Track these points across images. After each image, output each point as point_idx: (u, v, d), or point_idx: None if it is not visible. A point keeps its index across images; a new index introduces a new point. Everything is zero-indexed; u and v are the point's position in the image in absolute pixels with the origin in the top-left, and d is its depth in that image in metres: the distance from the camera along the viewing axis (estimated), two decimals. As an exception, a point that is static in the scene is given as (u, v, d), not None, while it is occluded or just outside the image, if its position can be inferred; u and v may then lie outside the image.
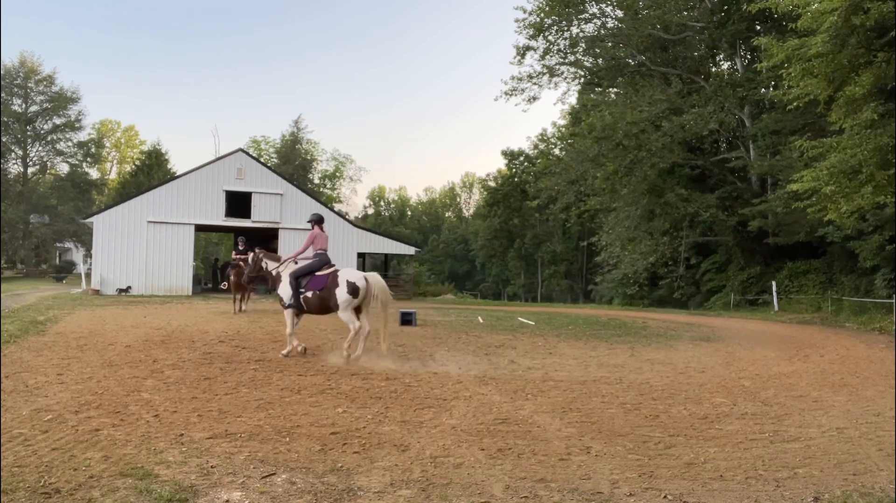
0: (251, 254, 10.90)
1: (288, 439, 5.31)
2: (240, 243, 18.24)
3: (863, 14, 15.44)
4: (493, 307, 29.52)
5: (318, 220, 10.20)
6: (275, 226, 31.35)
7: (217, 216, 30.82)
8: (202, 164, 31.75)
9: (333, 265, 10.10)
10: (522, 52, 35.19)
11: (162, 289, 28.97)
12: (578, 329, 16.58)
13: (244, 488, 4.16)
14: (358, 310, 9.71)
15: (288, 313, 9.90)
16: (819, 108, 18.54)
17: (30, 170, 51.66)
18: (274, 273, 10.27)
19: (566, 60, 36.11)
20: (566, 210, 45.35)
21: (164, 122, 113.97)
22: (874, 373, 10.08)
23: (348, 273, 9.84)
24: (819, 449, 5.54)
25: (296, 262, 10.18)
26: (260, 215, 31.20)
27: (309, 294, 9.74)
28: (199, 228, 32.61)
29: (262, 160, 45.57)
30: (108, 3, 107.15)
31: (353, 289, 9.52)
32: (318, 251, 10.05)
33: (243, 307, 18.39)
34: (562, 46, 35.38)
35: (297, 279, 9.86)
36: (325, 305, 9.72)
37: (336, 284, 9.60)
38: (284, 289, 9.95)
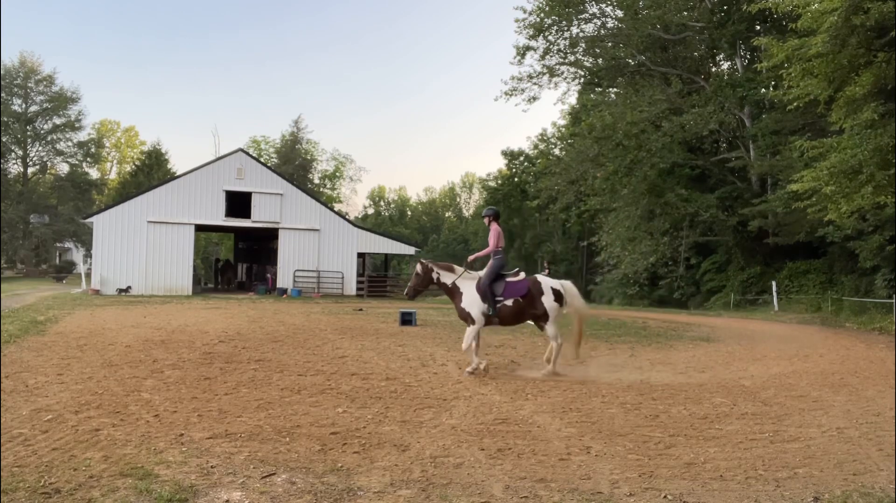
0: None
1: (288, 439, 5.30)
2: None
3: (863, 14, 15.43)
4: (493, 307, 29.41)
5: None
6: (275, 226, 31.35)
7: (217, 216, 30.82)
8: (202, 164, 31.77)
9: None
10: (522, 52, 35.16)
11: (162, 289, 28.96)
12: (578, 329, 16.54)
13: (244, 488, 4.15)
14: None
15: None
16: (819, 108, 18.52)
17: (30, 170, 51.69)
18: None
19: (566, 60, 36.07)
20: (566, 210, 45.31)
21: (164, 122, 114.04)
22: (874, 373, 10.08)
23: None
24: (819, 449, 5.54)
25: None
26: (260, 215, 31.19)
27: None
28: (199, 228, 32.61)
29: (262, 160, 45.56)
30: (109, 3, 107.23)
31: None
32: None
33: None
34: (562, 46, 35.35)
35: None
36: None
37: None
38: None
